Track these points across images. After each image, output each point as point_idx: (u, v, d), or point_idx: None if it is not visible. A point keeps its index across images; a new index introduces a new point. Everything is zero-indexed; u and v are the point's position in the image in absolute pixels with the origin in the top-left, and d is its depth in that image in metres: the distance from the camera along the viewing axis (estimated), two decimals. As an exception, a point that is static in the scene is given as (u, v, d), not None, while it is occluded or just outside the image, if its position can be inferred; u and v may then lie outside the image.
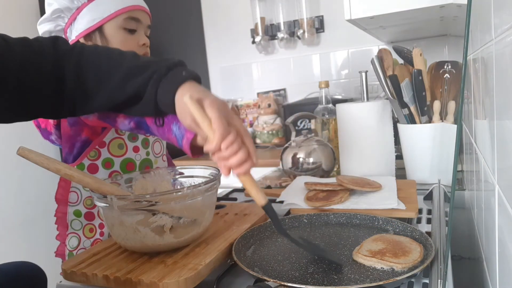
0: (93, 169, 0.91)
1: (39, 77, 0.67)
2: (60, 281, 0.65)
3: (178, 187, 0.83)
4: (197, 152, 0.73)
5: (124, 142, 0.95)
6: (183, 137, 0.72)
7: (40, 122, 0.98)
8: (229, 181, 0.88)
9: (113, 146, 0.93)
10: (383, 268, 0.58)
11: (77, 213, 0.93)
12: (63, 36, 0.93)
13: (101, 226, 0.94)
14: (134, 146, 0.96)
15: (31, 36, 0.70)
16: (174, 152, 2.26)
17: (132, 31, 0.93)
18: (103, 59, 0.69)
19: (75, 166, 0.90)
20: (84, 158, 0.91)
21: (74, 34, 0.92)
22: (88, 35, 0.91)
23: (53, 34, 0.93)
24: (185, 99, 0.59)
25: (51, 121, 0.94)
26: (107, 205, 0.64)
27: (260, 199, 0.63)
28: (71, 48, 0.70)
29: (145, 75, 0.64)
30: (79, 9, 0.90)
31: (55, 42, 0.70)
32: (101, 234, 0.94)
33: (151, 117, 0.77)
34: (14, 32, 0.66)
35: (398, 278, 0.53)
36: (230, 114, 0.61)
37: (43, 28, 0.92)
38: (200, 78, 0.66)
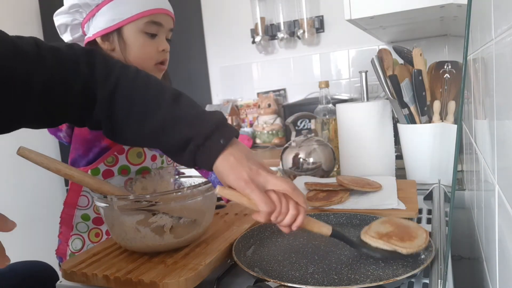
0: (108, 174, 0.90)
1: (67, 89, 0.64)
2: (60, 281, 0.65)
3: (178, 187, 0.83)
4: None
5: (143, 150, 0.93)
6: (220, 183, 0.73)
7: None
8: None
9: (131, 154, 0.92)
10: (387, 250, 0.61)
11: (85, 217, 0.92)
12: (80, 30, 0.91)
13: (108, 232, 0.93)
14: (152, 155, 0.95)
15: (31, 34, 0.68)
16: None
17: (153, 36, 0.89)
18: (137, 99, 0.65)
19: (89, 170, 0.89)
20: (101, 163, 0.89)
21: (91, 31, 0.88)
22: (106, 35, 0.88)
23: (69, 28, 0.90)
24: (216, 192, 0.61)
25: None
26: (107, 205, 0.64)
27: (326, 232, 0.64)
28: (109, 71, 0.66)
29: (180, 135, 0.62)
30: (98, 6, 0.86)
31: (92, 57, 0.66)
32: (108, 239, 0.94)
33: None
34: (14, 31, 0.65)
35: (398, 278, 0.53)
36: (263, 178, 0.61)
37: (59, 20, 0.89)
38: (238, 133, 0.66)
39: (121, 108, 0.65)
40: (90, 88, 0.65)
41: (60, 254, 0.95)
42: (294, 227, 0.61)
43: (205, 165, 0.63)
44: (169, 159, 1.02)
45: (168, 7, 0.91)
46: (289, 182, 0.61)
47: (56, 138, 0.98)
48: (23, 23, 2.09)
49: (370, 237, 0.63)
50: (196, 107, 0.65)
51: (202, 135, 0.61)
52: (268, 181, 0.61)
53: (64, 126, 0.93)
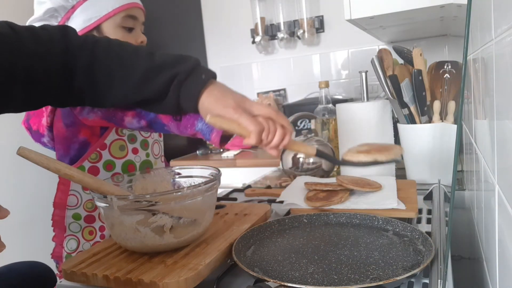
0: (94, 171, 0.91)
1: (47, 70, 0.66)
2: (60, 281, 0.65)
3: (178, 187, 0.83)
4: (224, 140, 0.80)
5: (125, 143, 0.94)
6: (211, 131, 0.77)
7: (31, 124, 0.96)
8: (229, 181, 0.89)
9: (114, 148, 0.92)
10: (368, 161, 0.69)
11: (76, 216, 0.92)
12: None
13: (101, 228, 0.93)
14: (133, 148, 0.95)
15: None
16: (173, 152, 2.27)
17: (130, 29, 0.93)
18: (115, 59, 0.68)
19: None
20: (85, 160, 0.90)
21: None
22: (85, 34, 0.89)
23: None
24: (207, 120, 0.65)
25: (44, 122, 0.92)
26: (107, 205, 0.64)
27: (311, 151, 0.72)
28: (82, 42, 0.68)
29: (163, 78, 0.66)
30: (74, 8, 0.88)
31: (65, 34, 0.68)
32: (102, 236, 0.93)
33: (169, 115, 0.78)
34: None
35: (398, 278, 0.53)
36: (249, 104, 0.66)
37: None
38: (216, 74, 0.69)
39: (101, 72, 0.67)
40: (69, 60, 0.67)
41: (56, 258, 0.94)
42: (281, 146, 0.66)
43: (189, 104, 0.66)
44: (155, 152, 1.02)
45: (139, 1, 0.95)
46: (272, 107, 0.66)
47: (41, 145, 0.98)
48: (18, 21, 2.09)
49: (352, 154, 0.69)
50: (172, 55, 0.68)
51: (183, 72, 0.65)
52: (253, 106, 0.66)
53: (45, 131, 0.93)
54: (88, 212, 0.92)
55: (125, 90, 0.68)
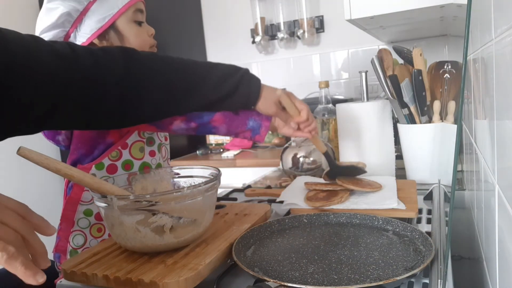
0: (112, 169, 0.91)
1: (102, 94, 0.71)
2: (60, 281, 0.65)
3: (178, 187, 0.83)
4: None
5: (144, 145, 0.95)
6: (260, 126, 0.88)
7: None
8: (229, 181, 0.89)
9: (134, 149, 0.93)
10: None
11: (88, 212, 0.92)
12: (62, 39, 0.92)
13: None
14: (150, 150, 0.97)
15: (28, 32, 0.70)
16: (173, 152, 2.26)
17: (140, 23, 0.94)
18: (189, 73, 0.81)
19: (94, 165, 0.90)
20: (105, 157, 0.90)
21: (83, 37, 0.89)
22: (102, 34, 0.90)
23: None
24: (278, 93, 0.86)
25: None
26: (107, 205, 0.64)
27: (321, 148, 0.95)
28: (145, 63, 0.76)
29: (235, 79, 0.83)
30: (85, 9, 0.88)
31: (128, 61, 0.74)
32: (110, 234, 0.93)
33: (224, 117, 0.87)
34: (12, 27, 0.65)
35: (398, 278, 0.53)
36: (293, 97, 0.88)
37: (47, 37, 0.89)
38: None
39: (179, 85, 0.80)
40: (128, 86, 0.74)
41: (59, 251, 0.94)
42: (314, 133, 0.90)
43: (254, 96, 0.85)
44: (163, 155, 1.03)
45: None
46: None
47: (53, 143, 0.98)
48: (22, 21, 2.09)
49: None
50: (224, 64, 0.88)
51: (246, 72, 0.86)
52: (296, 99, 0.89)
53: None
54: None
55: (204, 95, 0.81)
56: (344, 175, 0.95)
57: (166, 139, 1.07)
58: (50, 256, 0.97)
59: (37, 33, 0.90)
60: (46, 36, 0.89)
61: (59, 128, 0.81)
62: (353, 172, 0.97)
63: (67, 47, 0.69)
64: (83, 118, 0.73)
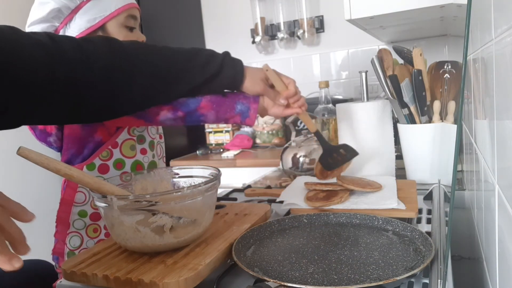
0: (104, 169, 0.91)
1: (90, 80, 0.70)
2: (60, 281, 0.65)
3: (178, 187, 0.83)
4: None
5: (135, 143, 0.95)
6: (249, 109, 0.87)
7: None
8: (229, 181, 0.89)
9: (125, 147, 0.93)
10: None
11: (82, 214, 0.92)
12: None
13: (106, 227, 0.93)
14: (141, 148, 0.96)
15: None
16: (173, 152, 2.27)
17: (131, 29, 0.94)
18: (171, 61, 0.81)
19: (85, 166, 0.90)
20: (96, 158, 0.90)
21: (71, 34, 0.89)
22: (90, 34, 0.90)
23: None
24: (264, 68, 0.88)
25: None
26: (107, 205, 0.64)
27: (311, 127, 0.94)
28: (128, 51, 0.76)
29: (218, 60, 0.84)
30: (77, 8, 0.89)
31: (112, 48, 0.74)
32: (107, 235, 0.93)
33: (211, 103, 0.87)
34: (5, 21, 0.65)
35: (398, 278, 0.53)
36: (277, 73, 0.89)
37: (35, 29, 0.89)
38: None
39: (165, 72, 0.80)
40: (114, 75, 0.74)
41: (57, 254, 0.94)
42: (303, 108, 0.89)
43: (239, 76, 0.86)
44: (158, 153, 1.03)
45: (135, 1, 0.97)
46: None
47: (46, 145, 0.98)
48: (17, 10, 2.09)
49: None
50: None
51: (227, 54, 0.87)
52: (281, 75, 0.90)
53: (54, 130, 0.93)
54: (94, 209, 0.92)
55: (190, 78, 0.82)
56: (337, 155, 0.95)
57: (160, 137, 1.07)
58: (49, 258, 0.97)
59: (26, 25, 0.90)
60: (34, 29, 0.90)
61: (46, 122, 0.79)
62: (347, 151, 0.97)
63: (46, 36, 0.67)
64: (70, 110, 0.71)
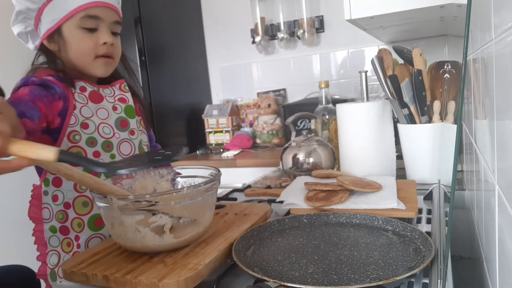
0: (57, 183, 0.89)
1: None
2: (60, 281, 0.65)
3: (178, 187, 0.83)
4: None
5: (83, 149, 0.88)
6: None
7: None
8: (229, 181, 0.88)
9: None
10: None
11: (53, 229, 0.90)
12: (37, 35, 0.93)
13: (76, 238, 0.90)
14: (94, 151, 0.90)
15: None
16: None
17: (92, 30, 0.89)
18: None
19: (43, 183, 0.88)
20: (47, 172, 0.87)
21: (40, 35, 0.91)
22: (50, 36, 0.90)
23: (29, 36, 0.93)
24: None
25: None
26: (107, 205, 0.64)
27: (47, 156, 0.53)
28: None
29: None
30: (40, 10, 0.88)
31: None
32: (78, 246, 0.90)
33: None
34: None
35: (398, 278, 0.53)
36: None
37: (16, 29, 0.92)
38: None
39: None
40: None
41: (41, 277, 0.91)
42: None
43: None
44: (124, 151, 0.94)
45: (108, 0, 0.90)
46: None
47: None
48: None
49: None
50: None
51: None
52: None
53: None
54: (60, 223, 0.90)
55: None
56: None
57: (132, 134, 0.97)
58: (29, 263, 0.93)
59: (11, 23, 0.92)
60: (15, 30, 0.92)
61: None
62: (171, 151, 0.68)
63: None
64: None
